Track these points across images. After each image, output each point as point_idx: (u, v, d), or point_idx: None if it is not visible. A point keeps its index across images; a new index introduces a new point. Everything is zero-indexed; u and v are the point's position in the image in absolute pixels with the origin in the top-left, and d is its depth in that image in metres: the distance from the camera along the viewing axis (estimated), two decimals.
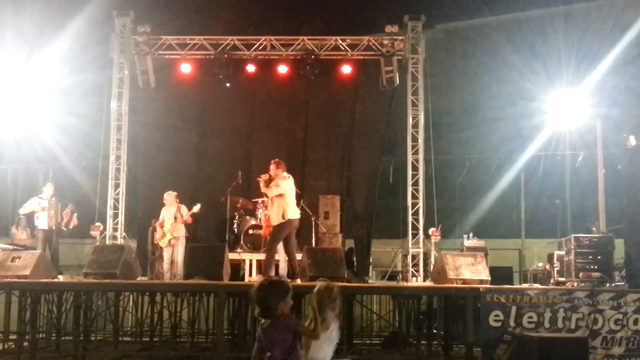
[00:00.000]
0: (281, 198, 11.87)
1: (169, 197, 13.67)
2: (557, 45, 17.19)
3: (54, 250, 13.72)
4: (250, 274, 13.85)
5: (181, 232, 13.48)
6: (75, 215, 14.07)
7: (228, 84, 16.34)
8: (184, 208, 13.55)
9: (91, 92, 16.55)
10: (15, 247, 13.75)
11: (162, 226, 13.48)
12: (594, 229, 14.30)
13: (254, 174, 15.96)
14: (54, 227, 13.70)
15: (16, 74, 16.31)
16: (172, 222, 13.37)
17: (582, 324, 10.43)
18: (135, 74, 16.32)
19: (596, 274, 12.29)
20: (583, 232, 13.57)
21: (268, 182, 11.94)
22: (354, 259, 15.75)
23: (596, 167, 15.37)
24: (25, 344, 12.19)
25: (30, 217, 14.29)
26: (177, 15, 17.13)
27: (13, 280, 11.51)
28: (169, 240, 13.38)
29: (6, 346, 12.68)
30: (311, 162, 16.92)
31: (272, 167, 12.08)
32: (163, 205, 13.67)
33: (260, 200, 14.49)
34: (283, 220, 11.86)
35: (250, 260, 13.92)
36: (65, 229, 13.94)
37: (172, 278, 13.16)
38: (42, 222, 13.72)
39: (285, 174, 12.00)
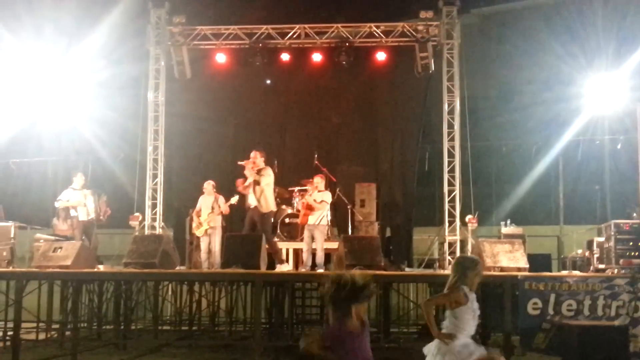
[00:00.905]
0: (268, 187, 12.48)
1: (208, 186, 13.74)
2: (596, 27, 16.82)
3: (94, 240, 13.91)
4: (287, 263, 13.93)
5: (217, 222, 13.55)
6: (107, 205, 14.22)
7: (268, 81, 16.46)
8: (221, 199, 13.60)
9: (128, 84, 16.70)
10: (57, 238, 13.98)
11: (198, 215, 13.56)
12: (634, 214, 14.04)
13: (290, 163, 16.08)
14: (93, 217, 13.89)
15: (55, 67, 16.52)
16: (209, 212, 13.45)
17: (622, 311, 10.28)
18: (171, 65, 16.48)
19: (637, 261, 12.12)
20: (623, 218, 13.33)
21: (257, 172, 12.48)
22: (391, 247, 15.74)
23: (636, 151, 15.10)
24: (68, 333, 12.46)
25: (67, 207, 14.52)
26: (212, 5, 17.19)
27: (55, 270, 11.73)
28: (205, 230, 13.46)
29: (49, 335, 12.98)
30: (346, 149, 16.90)
31: (257, 155, 12.57)
32: (202, 193, 13.77)
33: (297, 189, 14.55)
34: (272, 210, 12.67)
35: (287, 249, 14.00)
36: (103, 219, 14.12)
37: (209, 267, 13.27)
38: (82, 214, 13.85)
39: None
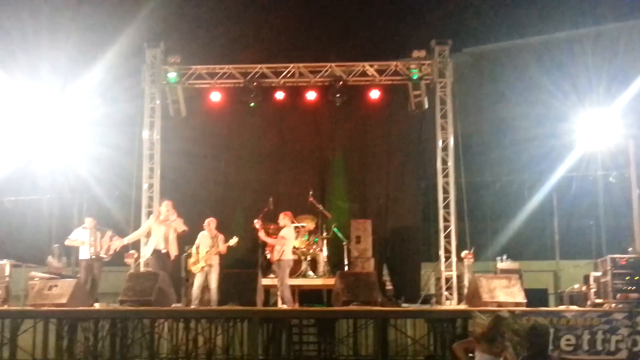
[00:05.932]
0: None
1: (212, 223, 13.70)
2: (587, 65, 17.06)
3: (94, 278, 13.87)
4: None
5: (215, 260, 13.43)
6: (115, 238, 14.17)
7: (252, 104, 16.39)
8: (221, 237, 13.55)
9: (123, 122, 16.76)
10: (52, 276, 13.93)
11: (197, 251, 13.51)
12: (630, 249, 14.13)
13: (284, 200, 16.07)
14: (93, 257, 13.87)
15: (50, 106, 16.62)
16: (208, 249, 13.39)
17: (622, 345, 10.30)
18: (166, 103, 16.57)
19: (634, 295, 12.16)
20: (618, 252, 13.40)
21: None
22: (388, 282, 15.69)
23: (629, 187, 15.21)
24: None
25: (66, 245, 14.55)
26: (207, 45, 17.35)
27: (50, 308, 11.66)
28: (202, 267, 13.40)
29: None
30: (341, 186, 16.91)
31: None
32: (199, 230, 13.72)
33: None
34: None
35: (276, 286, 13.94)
36: (104, 256, 14.08)
37: (205, 304, 13.19)
38: (84, 253, 13.95)
39: None
